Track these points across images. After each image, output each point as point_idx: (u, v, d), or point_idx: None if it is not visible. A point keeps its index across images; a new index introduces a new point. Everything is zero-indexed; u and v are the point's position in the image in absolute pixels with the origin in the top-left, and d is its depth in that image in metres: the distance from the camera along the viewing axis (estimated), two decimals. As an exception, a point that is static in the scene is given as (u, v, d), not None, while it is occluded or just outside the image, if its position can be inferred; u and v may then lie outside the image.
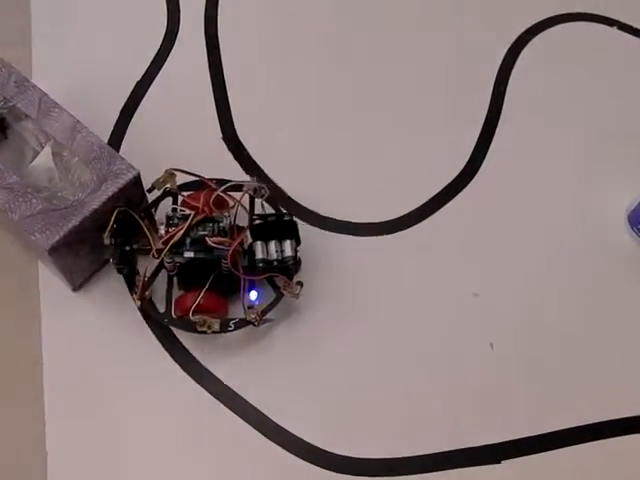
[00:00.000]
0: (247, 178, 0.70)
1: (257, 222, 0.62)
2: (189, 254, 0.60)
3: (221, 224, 0.61)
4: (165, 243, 0.59)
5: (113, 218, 0.59)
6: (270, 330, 0.64)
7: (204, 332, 0.60)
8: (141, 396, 0.62)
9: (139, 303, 0.61)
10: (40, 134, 0.62)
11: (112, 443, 0.60)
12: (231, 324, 0.60)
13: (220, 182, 0.62)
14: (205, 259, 0.60)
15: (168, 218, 0.61)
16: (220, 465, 0.60)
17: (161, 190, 0.63)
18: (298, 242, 0.62)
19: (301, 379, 0.63)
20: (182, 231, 0.59)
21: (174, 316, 0.61)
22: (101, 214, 0.59)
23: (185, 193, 0.63)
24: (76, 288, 0.65)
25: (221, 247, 0.59)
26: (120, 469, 0.59)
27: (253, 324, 0.60)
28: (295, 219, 0.64)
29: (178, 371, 0.63)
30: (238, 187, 0.62)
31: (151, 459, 0.60)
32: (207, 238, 0.59)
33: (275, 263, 0.61)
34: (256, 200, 0.64)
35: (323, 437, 0.61)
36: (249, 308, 0.60)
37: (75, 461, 0.59)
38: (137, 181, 0.61)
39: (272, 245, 0.61)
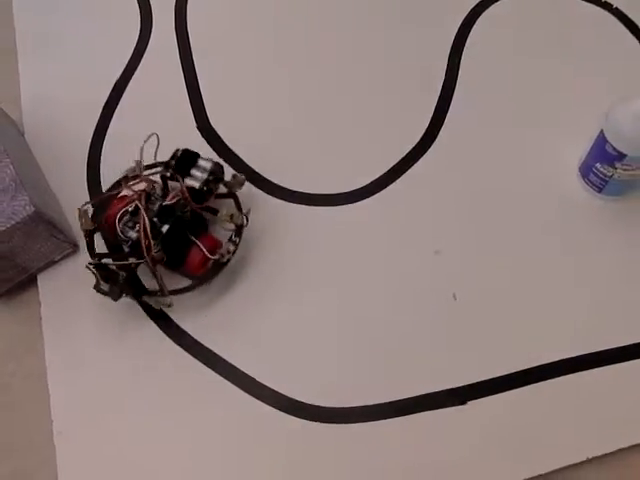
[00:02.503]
0: (221, 160, 0.76)
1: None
2: (165, 227, 0.65)
3: (156, 193, 0.68)
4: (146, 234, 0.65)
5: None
6: (243, 292, 0.70)
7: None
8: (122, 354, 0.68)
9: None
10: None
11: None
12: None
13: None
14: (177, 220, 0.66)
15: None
16: (203, 422, 0.66)
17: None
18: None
19: (276, 337, 0.69)
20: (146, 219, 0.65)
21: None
22: None
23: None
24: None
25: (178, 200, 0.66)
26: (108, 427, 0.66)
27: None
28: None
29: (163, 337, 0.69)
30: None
31: (136, 422, 0.66)
32: (164, 204, 0.66)
33: (210, 177, 0.68)
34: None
35: (300, 390, 0.66)
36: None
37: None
38: (36, 218, 0.64)
39: (194, 171, 0.69)
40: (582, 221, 0.74)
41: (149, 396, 0.67)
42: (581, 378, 0.66)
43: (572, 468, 0.63)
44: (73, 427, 0.65)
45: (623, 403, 0.65)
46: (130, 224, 0.65)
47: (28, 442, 0.66)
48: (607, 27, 0.85)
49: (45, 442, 0.65)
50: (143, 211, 0.64)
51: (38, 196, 0.68)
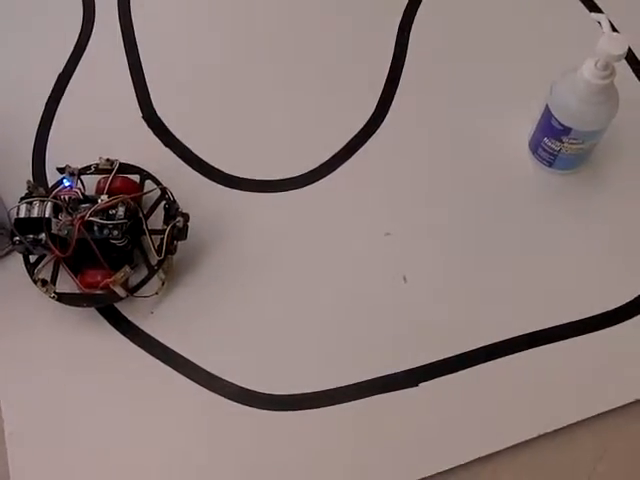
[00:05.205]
0: (167, 150, 0.76)
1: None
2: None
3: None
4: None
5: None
6: (190, 284, 0.70)
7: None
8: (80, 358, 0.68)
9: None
10: None
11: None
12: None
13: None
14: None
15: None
16: (161, 416, 0.65)
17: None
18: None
19: (226, 328, 0.68)
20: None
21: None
22: None
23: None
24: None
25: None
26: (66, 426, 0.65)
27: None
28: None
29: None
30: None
31: (95, 416, 0.66)
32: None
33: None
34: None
35: (254, 379, 0.66)
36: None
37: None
38: None
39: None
40: (534, 197, 0.73)
41: (103, 393, 0.66)
42: (531, 355, 0.66)
43: (524, 445, 0.63)
44: (25, 427, 0.65)
45: (573, 378, 0.65)
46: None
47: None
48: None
49: (-3, 442, 0.65)
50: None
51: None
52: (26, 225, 0.65)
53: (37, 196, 0.67)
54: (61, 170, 0.70)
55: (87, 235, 0.65)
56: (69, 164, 0.70)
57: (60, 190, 0.67)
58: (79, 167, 0.70)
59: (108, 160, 0.70)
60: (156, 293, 0.68)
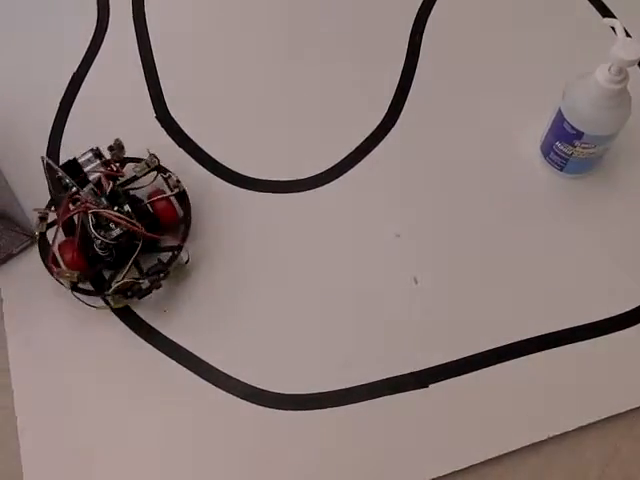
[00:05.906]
0: (180, 150, 0.76)
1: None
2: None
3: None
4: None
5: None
6: (202, 283, 0.70)
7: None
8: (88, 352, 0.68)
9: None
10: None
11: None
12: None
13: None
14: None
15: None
16: (172, 413, 0.66)
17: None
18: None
19: (234, 327, 0.69)
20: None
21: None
22: None
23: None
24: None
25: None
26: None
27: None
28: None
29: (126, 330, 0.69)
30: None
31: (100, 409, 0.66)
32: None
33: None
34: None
35: (260, 378, 0.67)
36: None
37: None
38: None
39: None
40: (545, 201, 0.73)
41: (113, 389, 0.67)
42: (541, 358, 0.66)
43: (533, 447, 0.64)
44: (38, 423, 0.65)
45: (583, 381, 0.66)
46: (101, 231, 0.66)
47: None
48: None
49: (10, 437, 0.65)
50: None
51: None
52: (72, 168, 0.67)
53: (116, 153, 0.70)
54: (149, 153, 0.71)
55: (78, 220, 0.67)
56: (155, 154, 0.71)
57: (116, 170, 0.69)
58: (159, 164, 0.71)
59: (178, 181, 0.70)
60: (96, 307, 0.67)
